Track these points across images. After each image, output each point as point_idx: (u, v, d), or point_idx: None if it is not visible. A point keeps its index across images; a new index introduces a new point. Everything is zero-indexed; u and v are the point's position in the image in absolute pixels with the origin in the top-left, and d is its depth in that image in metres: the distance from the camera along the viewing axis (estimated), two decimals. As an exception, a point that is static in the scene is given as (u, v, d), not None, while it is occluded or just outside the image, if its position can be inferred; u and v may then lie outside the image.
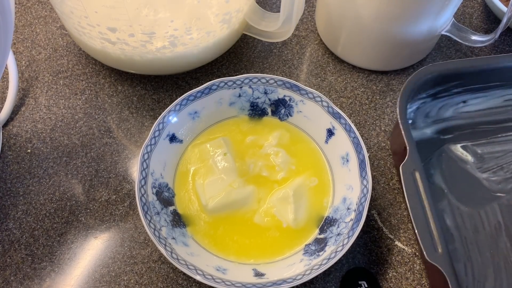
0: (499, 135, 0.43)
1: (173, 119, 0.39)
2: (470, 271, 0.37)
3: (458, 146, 0.42)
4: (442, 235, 0.32)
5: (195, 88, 0.40)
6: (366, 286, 0.37)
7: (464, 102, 0.42)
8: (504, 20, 0.41)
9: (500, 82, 0.41)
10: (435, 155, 0.42)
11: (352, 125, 0.38)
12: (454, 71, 0.39)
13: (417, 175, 0.34)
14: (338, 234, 0.36)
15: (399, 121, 0.36)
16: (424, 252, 0.31)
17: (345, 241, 0.34)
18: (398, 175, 0.39)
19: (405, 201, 0.35)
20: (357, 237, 0.35)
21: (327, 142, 0.40)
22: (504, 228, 0.38)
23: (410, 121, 0.42)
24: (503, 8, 0.47)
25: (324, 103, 0.40)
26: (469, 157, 0.42)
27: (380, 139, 0.44)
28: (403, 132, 0.35)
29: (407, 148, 0.35)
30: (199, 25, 0.40)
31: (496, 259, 0.37)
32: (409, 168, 0.34)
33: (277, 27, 0.42)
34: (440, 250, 0.31)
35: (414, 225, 0.32)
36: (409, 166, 0.34)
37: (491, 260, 0.37)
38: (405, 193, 0.34)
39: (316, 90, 0.43)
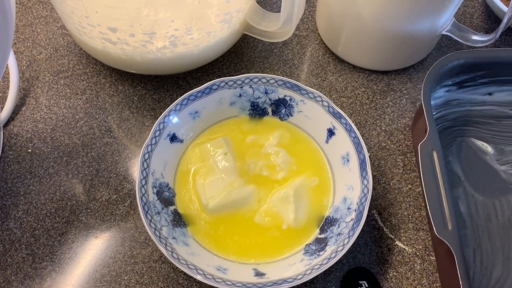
0: None
1: (174, 119, 0.39)
2: (479, 258, 0.37)
3: (479, 137, 0.43)
4: (454, 214, 0.32)
5: (196, 88, 0.40)
6: (367, 286, 0.37)
7: (489, 94, 0.42)
8: (505, 20, 0.41)
9: None
10: (455, 144, 0.42)
11: (353, 125, 0.38)
12: (481, 60, 0.39)
13: (435, 154, 0.34)
14: (339, 234, 0.36)
15: (422, 103, 0.36)
16: (434, 228, 0.32)
17: (346, 241, 0.34)
18: (416, 156, 0.39)
19: (420, 180, 0.35)
20: (358, 237, 0.35)
21: (327, 142, 0.40)
22: None
23: (433, 108, 0.42)
24: (504, 8, 0.47)
25: (325, 103, 0.40)
26: (489, 149, 0.42)
27: (380, 139, 0.44)
28: (425, 113, 0.36)
29: (428, 129, 0.35)
30: (200, 25, 0.40)
31: (506, 249, 0.38)
32: (427, 147, 0.35)
33: (278, 27, 0.42)
34: (450, 227, 0.32)
35: (427, 201, 0.33)
36: (427, 145, 0.35)
37: (501, 249, 0.37)
38: (421, 170, 0.34)
39: (316, 90, 0.43)
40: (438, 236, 0.31)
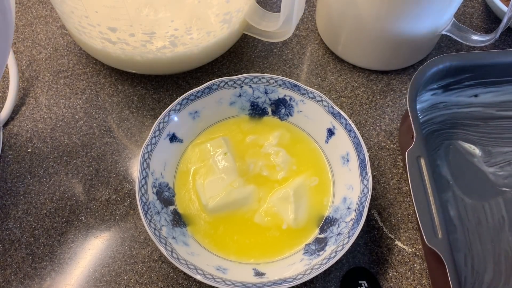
0: (509, 131, 0.43)
1: (174, 118, 0.39)
2: (470, 262, 0.37)
3: (466, 139, 0.43)
4: (444, 221, 0.32)
5: (196, 87, 0.40)
6: (366, 285, 0.37)
7: (475, 95, 0.43)
8: (505, 20, 0.41)
9: None
10: (442, 147, 0.42)
11: (353, 125, 0.38)
12: (465, 63, 0.39)
13: (422, 161, 0.34)
14: (339, 234, 0.36)
15: (408, 109, 0.36)
16: (424, 237, 0.31)
17: (345, 241, 0.34)
18: (404, 164, 0.39)
19: (409, 187, 0.35)
20: (358, 236, 0.35)
21: (327, 142, 0.40)
22: (507, 223, 0.39)
23: (420, 112, 0.43)
24: (504, 7, 0.47)
25: (325, 103, 0.40)
26: (476, 151, 0.42)
27: (380, 138, 0.44)
28: (411, 119, 0.35)
29: (414, 135, 0.35)
30: (200, 25, 0.40)
31: (497, 252, 0.38)
32: (414, 154, 0.34)
33: (278, 27, 0.42)
34: (440, 235, 0.32)
35: (416, 210, 0.33)
36: (414, 152, 0.35)
37: (491, 252, 0.37)
38: (409, 178, 0.34)
39: (316, 89, 0.43)
40: (429, 245, 0.31)
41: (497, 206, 0.39)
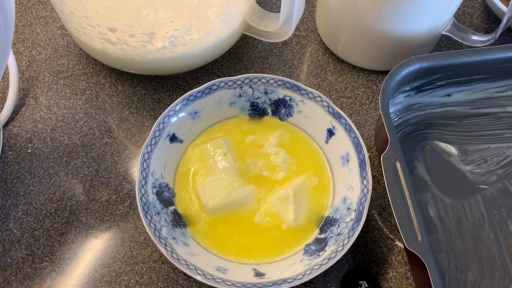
0: (484, 129, 0.43)
1: (174, 119, 0.39)
2: (453, 262, 0.37)
3: (442, 139, 0.43)
4: (423, 224, 0.32)
5: (196, 88, 0.40)
6: (367, 286, 0.37)
7: (448, 95, 0.43)
8: (505, 20, 0.41)
9: (484, 76, 0.41)
10: (419, 148, 0.42)
11: (353, 125, 0.38)
12: (435, 63, 0.39)
13: (398, 164, 0.34)
14: (339, 234, 0.36)
15: (381, 112, 0.36)
16: (404, 240, 0.31)
17: (346, 241, 0.34)
18: (380, 167, 0.39)
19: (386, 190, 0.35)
20: (358, 237, 0.35)
21: (327, 142, 0.40)
22: (487, 220, 0.39)
23: (394, 114, 0.43)
24: (504, 8, 0.47)
25: (324, 103, 0.40)
26: (453, 150, 0.42)
27: (380, 139, 0.44)
28: (384, 123, 0.35)
29: (389, 139, 0.35)
30: (199, 25, 0.40)
31: (479, 250, 0.38)
32: (390, 158, 0.34)
33: (277, 27, 0.42)
34: (419, 238, 0.31)
35: (394, 214, 0.33)
36: (390, 156, 0.34)
37: (473, 251, 0.38)
38: (385, 182, 0.34)
39: (316, 90, 0.43)
40: (409, 249, 0.31)
41: (476, 204, 0.40)
